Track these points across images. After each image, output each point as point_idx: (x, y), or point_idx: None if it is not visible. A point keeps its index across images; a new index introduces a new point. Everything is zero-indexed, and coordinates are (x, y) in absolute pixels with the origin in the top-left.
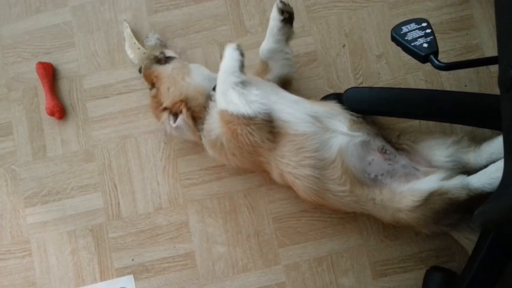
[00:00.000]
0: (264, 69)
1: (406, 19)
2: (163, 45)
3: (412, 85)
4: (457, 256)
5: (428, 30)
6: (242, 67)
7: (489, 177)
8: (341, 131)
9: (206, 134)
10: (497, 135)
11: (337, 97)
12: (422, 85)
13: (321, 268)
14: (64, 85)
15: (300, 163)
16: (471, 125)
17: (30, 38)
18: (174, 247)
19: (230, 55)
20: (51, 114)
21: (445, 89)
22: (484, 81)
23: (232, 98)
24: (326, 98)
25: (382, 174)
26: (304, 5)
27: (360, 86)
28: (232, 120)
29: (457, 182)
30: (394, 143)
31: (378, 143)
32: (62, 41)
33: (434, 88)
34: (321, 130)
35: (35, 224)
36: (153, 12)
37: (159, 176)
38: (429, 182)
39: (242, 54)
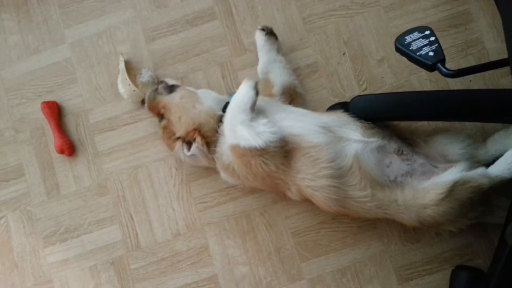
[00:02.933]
0: (267, 86)
1: (403, 20)
2: (155, 82)
3: (417, 85)
4: (481, 253)
5: (432, 38)
6: (253, 105)
7: (507, 163)
8: (355, 139)
9: (219, 157)
10: (502, 129)
11: (343, 107)
12: (427, 85)
13: (345, 278)
14: (70, 122)
15: (317, 174)
16: (481, 121)
17: (32, 78)
18: (196, 272)
19: (245, 92)
20: (61, 151)
21: (450, 87)
22: (488, 75)
23: (242, 134)
24: (332, 108)
25: (402, 175)
26: (300, 17)
27: (366, 94)
28: (245, 153)
29: (478, 171)
30: (408, 140)
31: (393, 145)
32: (64, 78)
33: (439, 86)
34: (334, 140)
35: (56, 263)
36: (151, 40)
37: (174, 203)
38: (451, 174)
39: (257, 94)
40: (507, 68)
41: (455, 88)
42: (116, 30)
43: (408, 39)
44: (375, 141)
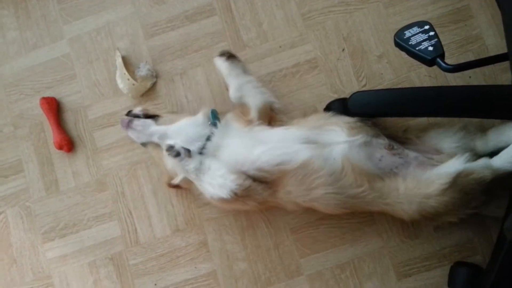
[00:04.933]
0: (244, 110)
1: (402, 17)
2: (154, 75)
3: (416, 82)
4: (480, 249)
5: (432, 33)
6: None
7: (510, 155)
8: (339, 141)
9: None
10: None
11: (342, 103)
12: (426, 81)
13: (344, 274)
14: (69, 118)
15: (310, 187)
16: (481, 117)
17: (30, 74)
18: (195, 267)
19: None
20: (60, 147)
21: (449, 83)
22: (488, 71)
23: (208, 189)
24: (331, 104)
25: (397, 167)
26: (300, 13)
27: (365, 90)
28: (220, 201)
29: (481, 163)
30: (401, 138)
31: (382, 141)
32: (63, 73)
33: (438, 82)
34: (319, 149)
35: (55, 259)
36: (150, 36)
37: (173, 198)
38: (454, 165)
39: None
40: (506, 64)
41: (455, 84)
42: (115, 26)
43: (408, 33)
44: (359, 138)
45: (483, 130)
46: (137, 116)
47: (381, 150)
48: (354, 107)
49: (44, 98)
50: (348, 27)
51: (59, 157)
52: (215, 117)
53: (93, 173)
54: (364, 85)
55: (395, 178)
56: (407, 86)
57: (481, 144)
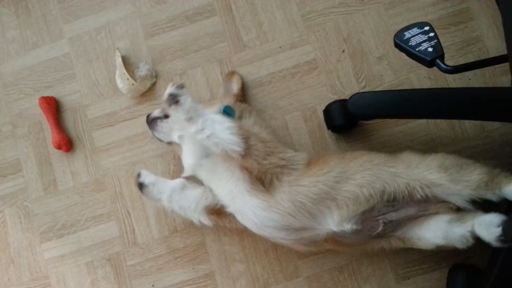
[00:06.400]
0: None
1: (403, 18)
2: (153, 75)
3: (416, 83)
4: (479, 251)
5: (432, 34)
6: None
7: (492, 232)
8: (327, 228)
9: None
10: None
11: (341, 104)
12: (426, 83)
13: (343, 276)
14: (68, 117)
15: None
16: (481, 119)
17: (30, 73)
18: (193, 269)
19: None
20: (58, 147)
21: (449, 85)
22: (488, 73)
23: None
24: (331, 105)
25: (384, 230)
26: (300, 14)
27: (365, 91)
28: None
29: (462, 232)
30: (404, 196)
31: (377, 212)
32: (63, 73)
33: (438, 84)
34: (303, 232)
35: (52, 259)
36: (150, 36)
37: None
38: (435, 234)
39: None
40: (506, 66)
41: (455, 86)
42: (115, 25)
43: (407, 34)
44: (351, 224)
45: (498, 183)
46: (158, 118)
47: (372, 222)
48: (354, 109)
49: (43, 98)
50: (348, 28)
51: (57, 156)
52: (228, 116)
53: (91, 173)
54: (364, 87)
55: (379, 241)
56: (407, 87)
57: (496, 198)
